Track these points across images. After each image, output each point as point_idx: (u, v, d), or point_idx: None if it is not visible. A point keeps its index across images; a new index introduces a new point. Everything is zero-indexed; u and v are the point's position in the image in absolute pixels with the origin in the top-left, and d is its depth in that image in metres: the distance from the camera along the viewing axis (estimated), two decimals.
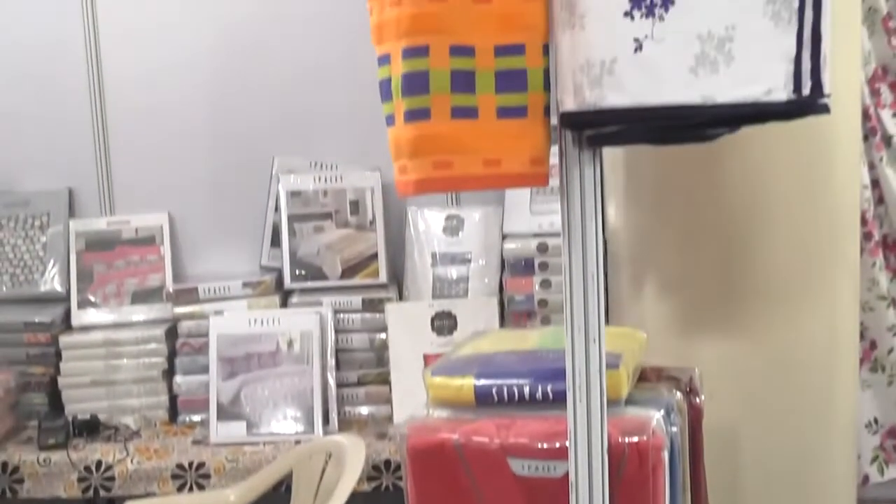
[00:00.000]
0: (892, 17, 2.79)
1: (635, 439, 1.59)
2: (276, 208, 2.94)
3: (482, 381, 1.73)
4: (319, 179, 2.91)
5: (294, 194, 2.91)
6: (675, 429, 1.69)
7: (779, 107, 1.41)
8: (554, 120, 1.44)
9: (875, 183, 2.84)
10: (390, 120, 1.45)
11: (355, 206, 2.91)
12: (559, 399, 1.62)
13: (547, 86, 1.43)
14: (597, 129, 1.43)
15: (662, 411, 1.67)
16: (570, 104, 1.39)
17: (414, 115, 1.39)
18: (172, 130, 3.01)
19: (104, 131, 3.01)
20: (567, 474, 1.55)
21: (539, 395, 1.69)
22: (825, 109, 1.45)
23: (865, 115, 2.77)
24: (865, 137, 2.77)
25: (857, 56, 2.47)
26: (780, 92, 1.40)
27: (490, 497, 1.67)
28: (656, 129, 1.42)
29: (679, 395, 1.81)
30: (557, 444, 1.61)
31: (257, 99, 2.98)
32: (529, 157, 1.42)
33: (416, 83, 1.39)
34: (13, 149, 3.05)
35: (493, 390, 1.72)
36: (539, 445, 1.63)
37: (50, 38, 3.00)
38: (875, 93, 2.85)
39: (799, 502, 2.38)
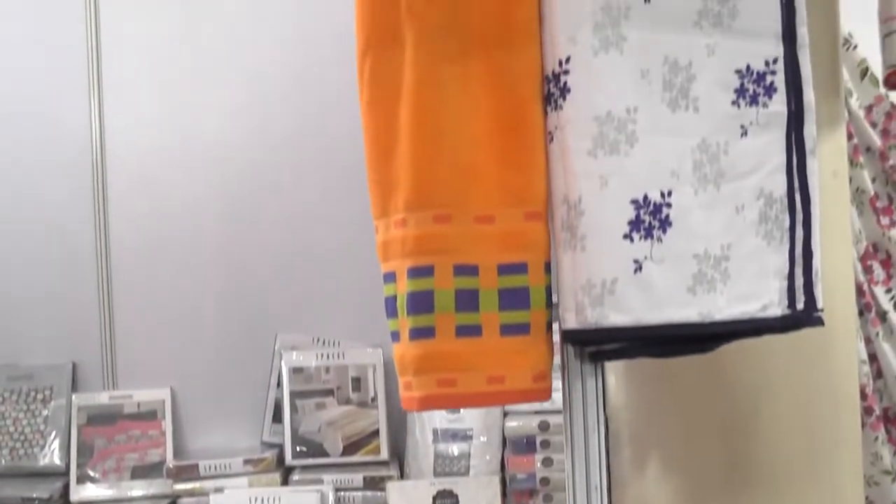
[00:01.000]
0: (879, 197, 2.86)
1: None
2: (279, 384, 2.95)
3: None
4: (322, 356, 2.94)
5: (296, 371, 2.93)
6: None
7: (774, 322, 1.46)
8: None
9: (873, 357, 2.86)
10: (395, 336, 1.48)
11: (357, 383, 2.93)
12: None
13: (549, 303, 1.46)
14: (598, 345, 1.46)
15: None
16: (572, 322, 1.42)
17: (419, 334, 1.42)
18: (177, 306, 3.05)
19: (109, 307, 3.05)
20: None
21: None
22: (819, 322, 1.49)
23: (859, 292, 2.81)
24: (861, 313, 2.80)
25: (847, 235, 2.52)
26: (775, 308, 1.45)
27: None
28: (656, 344, 1.45)
29: None
30: None
31: (261, 276, 3.03)
32: (532, 374, 1.45)
33: (421, 302, 1.42)
34: (19, 323, 3.07)
35: None
36: None
37: (59, 217, 3.06)
38: (867, 270, 2.90)
39: None
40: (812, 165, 1.49)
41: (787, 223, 1.46)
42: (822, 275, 1.49)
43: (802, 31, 1.49)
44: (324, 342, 2.99)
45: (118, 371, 3.07)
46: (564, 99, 1.43)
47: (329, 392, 2.93)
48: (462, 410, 2.89)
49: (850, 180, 2.68)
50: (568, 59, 1.42)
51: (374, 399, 2.93)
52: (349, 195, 2.92)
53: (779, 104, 1.47)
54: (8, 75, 3.06)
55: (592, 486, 1.51)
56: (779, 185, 1.47)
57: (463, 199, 1.43)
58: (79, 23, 3.04)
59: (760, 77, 1.47)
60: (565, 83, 1.43)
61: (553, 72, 1.44)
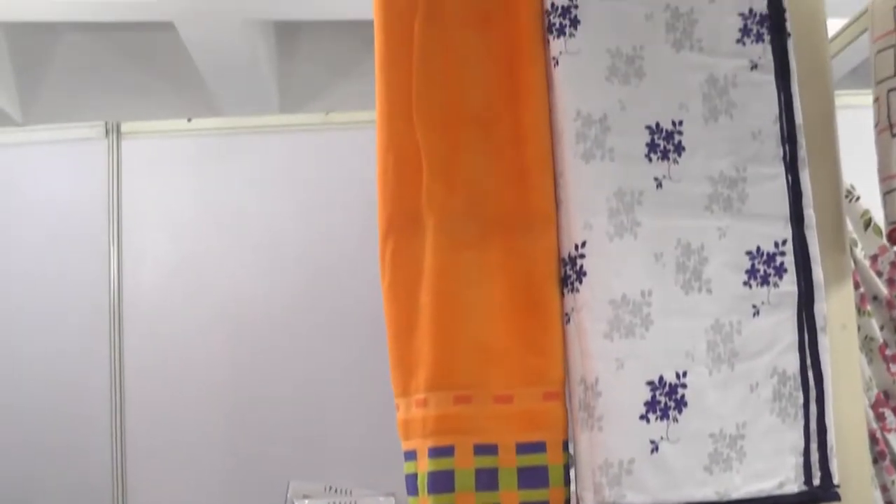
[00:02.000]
0: (889, 345, 2.88)
1: None
2: None
3: None
4: None
5: None
6: None
7: (791, 498, 1.48)
8: None
9: None
10: None
11: None
12: None
13: (567, 481, 1.48)
14: None
15: None
16: (590, 501, 1.44)
17: None
18: (189, 455, 3.03)
19: (122, 451, 3.05)
20: None
21: None
22: (836, 497, 1.51)
23: (873, 439, 2.82)
24: (875, 461, 2.80)
25: (857, 385, 2.54)
26: (792, 485, 1.47)
27: None
28: None
29: None
30: None
31: (273, 425, 3.03)
32: None
33: (441, 482, 1.44)
34: (31, 472, 3.06)
35: None
36: None
37: (73, 363, 3.08)
38: (880, 417, 2.91)
39: None
40: (823, 343, 1.53)
41: (800, 400, 1.49)
42: (835, 436, 1.51)
43: (809, 213, 1.54)
44: (336, 490, 2.98)
45: None
46: (581, 282, 1.47)
47: None
48: None
49: (859, 329, 2.72)
50: (584, 244, 1.47)
51: None
52: (361, 347, 2.95)
53: (789, 284, 1.52)
54: (28, 231, 3.11)
55: None
56: (792, 363, 1.50)
57: (482, 380, 1.47)
58: (101, 178, 3.10)
59: (770, 258, 1.52)
60: (581, 267, 1.47)
61: (569, 255, 1.49)
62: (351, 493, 2.96)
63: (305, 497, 2.95)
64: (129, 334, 3.09)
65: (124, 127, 3.13)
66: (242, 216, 3.11)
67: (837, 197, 1.76)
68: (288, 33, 5.43)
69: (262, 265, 3.08)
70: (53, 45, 5.18)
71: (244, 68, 4.81)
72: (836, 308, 1.70)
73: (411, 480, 1.50)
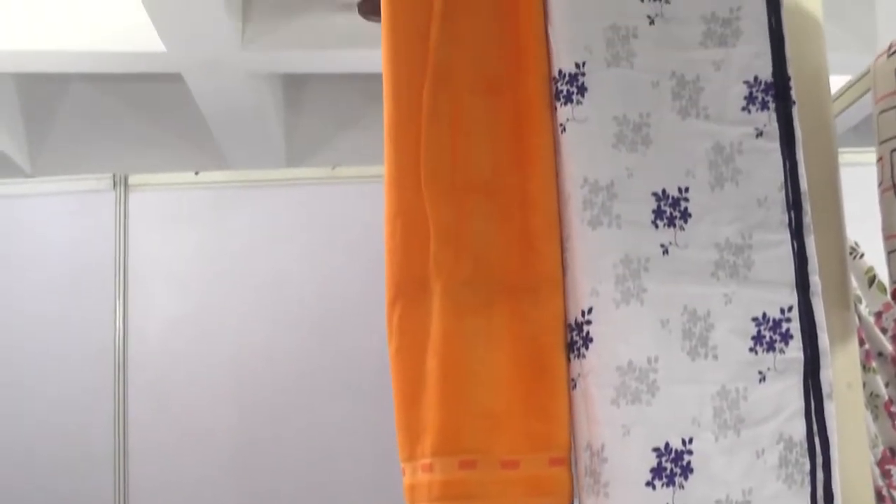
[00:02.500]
0: (894, 401, 2.88)
1: None
2: None
3: None
4: None
5: None
6: None
7: None
8: None
9: None
10: None
11: None
12: None
13: None
14: None
15: None
16: None
17: None
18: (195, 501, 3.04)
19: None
20: None
21: None
22: None
23: (879, 497, 2.80)
24: None
25: (864, 444, 2.54)
26: None
27: None
28: None
29: None
30: None
31: (279, 473, 3.02)
32: None
33: None
34: None
35: None
36: None
37: (77, 418, 3.07)
38: (886, 474, 2.90)
39: None
40: (830, 409, 1.53)
41: (807, 467, 1.49)
42: (841, 495, 1.51)
43: (815, 280, 1.55)
44: None
45: None
46: (587, 348, 1.48)
47: None
48: None
49: (864, 385, 2.72)
50: (590, 310, 1.48)
51: None
52: (364, 401, 2.95)
53: (795, 350, 1.52)
54: (35, 282, 3.12)
55: None
56: (798, 430, 1.50)
57: (488, 445, 1.47)
58: (108, 230, 3.12)
59: (776, 324, 1.52)
60: (588, 333, 1.48)
61: (576, 321, 1.50)
62: None
63: None
64: (134, 384, 3.10)
65: (132, 179, 3.15)
66: (249, 269, 3.13)
67: (842, 255, 1.77)
68: (295, 86, 5.48)
69: (268, 318, 3.09)
70: (63, 95, 5.23)
71: (251, 120, 4.85)
72: (842, 366, 1.70)
73: None
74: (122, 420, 3.07)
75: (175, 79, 4.80)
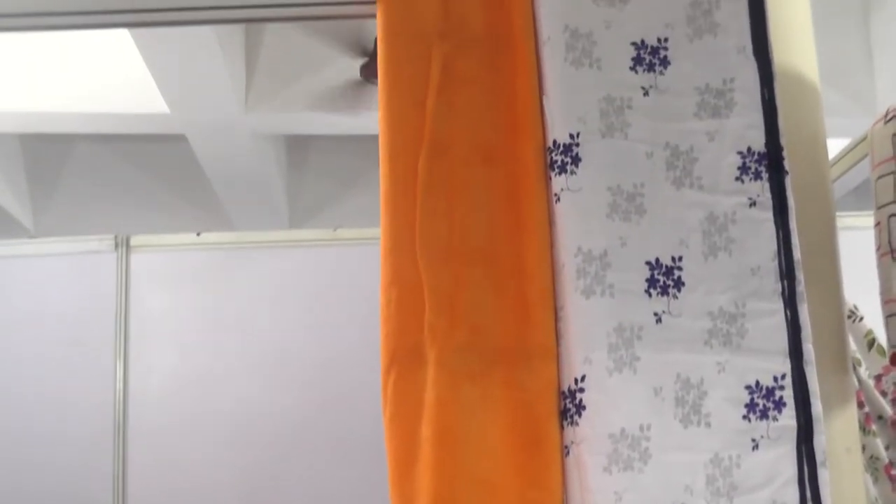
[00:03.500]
0: (894, 464, 2.87)
1: None
2: None
3: None
4: None
5: None
6: None
7: None
8: None
9: None
10: None
11: None
12: None
13: None
14: None
15: None
16: None
17: None
18: None
19: None
20: None
21: None
22: None
23: None
24: None
25: (861, 499, 2.52)
26: None
27: None
28: None
29: None
30: None
31: None
32: None
33: None
34: None
35: None
36: None
37: (76, 481, 3.07)
38: None
39: None
40: (824, 476, 1.53)
41: None
42: None
43: (808, 348, 1.56)
44: None
45: None
46: (580, 415, 1.49)
47: None
48: None
49: (864, 448, 2.71)
50: (583, 378, 1.49)
51: None
52: (368, 465, 2.92)
53: (788, 418, 1.53)
54: (35, 343, 3.13)
55: None
56: (791, 497, 1.50)
57: None
58: (109, 291, 3.13)
59: (770, 392, 1.53)
60: (581, 400, 1.49)
61: (569, 388, 1.51)
62: None
63: None
64: (133, 444, 3.09)
65: (134, 240, 3.17)
66: (250, 330, 3.14)
67: (839, 318, 1.78)
68: (298, 147, 5.52)
69: (270, 380, 3.10)
70: (67, 155, 5.28)
71: (255, 180, 4.89)
72: (840, 430, 1.70)
73: None
74: (122, 479, 3.06)
75: (179, 139, 4.84)
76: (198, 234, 3.20)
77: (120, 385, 3.09)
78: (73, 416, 3.10)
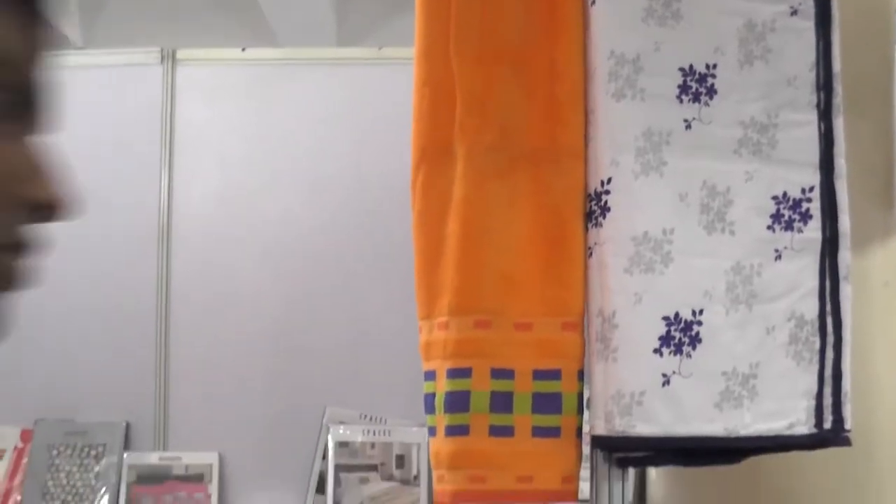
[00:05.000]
0: None
1: None
2: (324, 457, 3.01)
3: None
4: (368, 432, 3.00)
5: (342, 444, 2.99)
6: None
7: (801, 440, 1.50)
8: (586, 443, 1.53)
9: None
10: (432, 431, 1.55)
11: (401, 461, 2.98)
12: None
13: (580, 409, 1.53)
14: (626, 452, 1.51)
15: None
16: (601, 429, 1.48)
17: (454, 431, 1.50)
18: (231, 372, 3.13)
19: (166, 369, 3.14)
20: None
21: None
22: (846, 442, 1.53)
23: None
24: None
25: None
26: (802, 426, 1.49)
27: None
28: (683, 454, 1.50)
29: None
30: None
31: (314, 352, 3.10)
32: (561, 476, 1.51)
33: (457, 402, 1.49)
34: (78, 379, 3.17)
35: None
36: None
37: (123, 279, 3.16)
38: None
39: None
40: (846, 291, 1.54)
41: (817, 345, 1.51)
42: (866, 387, 1.53)
43: (840, 162, 1.55)
44: (371, 419, 3.05)
45: (169, 433, 3.15)
46: (605, 217, 1.50)
47: (373, 467, 2.98)
48: None
49: None
50: (609, 181, 1.50)
51: (416, 477, 2.97)
52: (403, 281, 2.99)
53: (813, 230, 1.53)
54: (81, 154, 3.16)
55: None
56: (811, 309, 1.52)
57: (503, 307, 1.51)
58: (155, 103, 3.16)
59: (796, 204, 1.53)
60: (606, 202, 1.50)
61: (595, 191, 1.52)
62: (385, 421, 3.03)
63: (341, 423, 3.03)
64: (176, 260, 3.17)
65: (180, 54, 3.18)
66: (292, 147, 3.16)
67: (890, 151, 1.74)
68: None
69: (310, 196, 3.14)
70: None
71: None
72: (879, 263, 1.70)
73: (429, 400, 1.56)
74: (165, 283, 3.16)
75: None
76: (243, 50, 3.20)
77: (164, 196, 3.15)
78: (117, 228, 3.17)
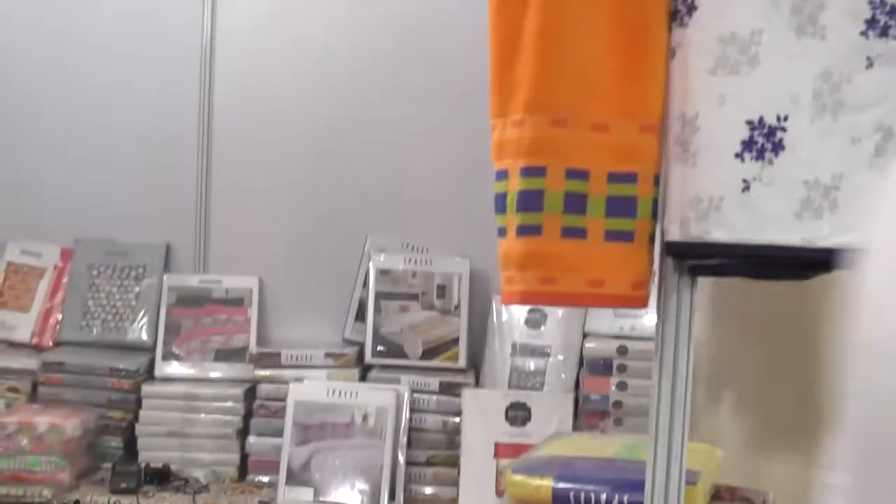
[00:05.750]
0: None
1: None
2: (365, 284, 3.01)
3: (561, 484, 1.78)
4: (410, 261, 2.99)
5: (383, 272, 2.99)
6: None
7: None
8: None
9: None
10: (502, 232, 1.52)
11: (442, 291, 2.98)
12: None
13: (654, 214, 1.49)
14: (699, 259, 1.48)
15: None
16: (675, 234, 1.45)
17: (525, 231, 1.47)
18: (273, 198, 3.13)
19: (207, 192, 3.13)
20: None
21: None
22: None
23: None
24: None
25: None
26: None
27: None
28: (756, 265, 1.47)
29: None
30: None
31: (357, 179, 3.09)
32: (632, 281, 1.48)
33: (530, 201, 1.46)
34: (120, 201, 3.17)
35: (571, 494, 1.76)
36: None
37: (165, 99, 3.13)
38: None
39: None
40: None
41: None
42: None
43: None
44: (412, 248, 3.04)
45: (210, 256, 3.16)
46: (690, 16, 1.44)
47: (414, 296, 2.99)
48: (543, 327, 2.93)
49: None
50: None
51: (457, 307, 2.97)
52: (449, 110, 2.95)
53: None
54: None
55: (677, 396, 1.54)
56: None
57: (581, 107, 1.46)
58: None
59: (894, 9, 1.45)
60: (692, 1, 1.44)
61: None
62: (427, 251, 3.02)
63: (382, 251, 3.02)
64: (219, 79, 3.13)
65: None
66: None
67: None
68: None
69: (355, 14, 3.07)
70: None
71: None
72: None
73: (500, 199, 1.52)
74: (207, 109, 3.12)
75: None
76: None
77: (209, 10, 3.09)
78: (160, 53, 3.13)
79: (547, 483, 1.79)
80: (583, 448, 2.00)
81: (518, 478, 1.83)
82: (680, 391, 1.53)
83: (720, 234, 1.41)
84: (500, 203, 1.52)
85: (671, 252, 1.47)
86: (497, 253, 1.54)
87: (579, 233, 1.47)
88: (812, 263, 1.47)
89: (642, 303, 1.51)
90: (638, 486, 1.67)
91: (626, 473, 1.79)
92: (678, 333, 1.52)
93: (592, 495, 1.75)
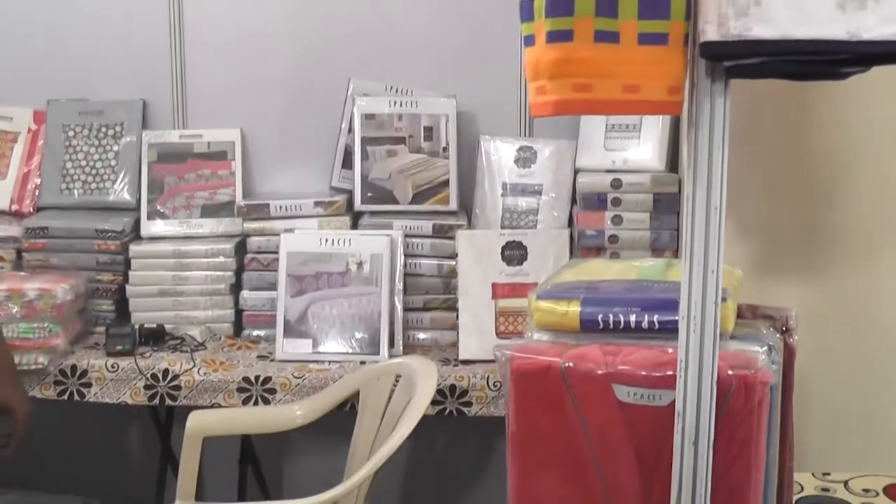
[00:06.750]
0: None
1: (743, 373, 1.61)
2: (350, 130, 2.93)
3: (588, 308, 1.75)
4: (395, 104, 2.90)
5: (368, 117, 2.91)
6: (774, 366, 1.70)
7: None
8: None
9: None
10: (529, 41, 1.45)
11: (429, 133, 2.91)
12: (664, 329, 1.65)
13: (688, 15, 1.42)
14: (736, 60, 1.42)
15: (765, 348, 1.69)
16: (713, 34, 1.38)
17: (556, 37, 1.39)
18: (249, 46, 3.01)
19: (181, 43, 3.01)
20: (672, 403, 1.57)
21: (645, 324, 1.71)
22: None
23: None
24: None
25: None
26: None
27: (593, 421, 1.70)
28: (796, 62, 1.41)
29: (776, 333, 1.82)
30: (665, 373, 1.62)
31: (337, 18, 2.97)
32: (667, 86, 1.43)
33: (560, 4, 1.39)
34: (91, 58, 3.05)
35: (599, 317, 1.74)
36: (645, 374, 1.65)
37: None
38: None
39: (868, 448, 2.41)
40: None
41: None
42: None
43: None
44: (397, 90, 2.95)
45: (188, 110, 3.06)
46: None
47: (401, 140, 2.91)
48: (533, 165, 2.88)
49: None
50: None
51: (445, 149, 2.91)
52: None
53: None
54: None
55: (712, 206, 1.50)
56: None
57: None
58: None
59: None
60: None
61: None
62: (412, 93, 2.94)
63: (365, 95, 2.94)
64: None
65: None
66: None
67: None
68: None
69: None
70: None
71: None
72: None
73: (526, 6, 1.46)
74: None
75: None
76: None
77: None
78: None
79: (574, 308, 1.76)
80: (603, 272, 1.97)
81: (545, 304, 1.79)
82: (715, 200, 1.50)
83: (761, 29, 1.35)
84: (527, 9, 1.44)
85: (707, 54, 1.41)
86: (524, 64, 1.47)
87: (612, 37, 1.40)
88: (853, 60, 1.41)
89: (678, 109, 1.46)
90: (667, 305, 1.65)
91: (654, 293, 1.76)
92: (712, 140, 1.47)
93: (621, 317, 1.72)
